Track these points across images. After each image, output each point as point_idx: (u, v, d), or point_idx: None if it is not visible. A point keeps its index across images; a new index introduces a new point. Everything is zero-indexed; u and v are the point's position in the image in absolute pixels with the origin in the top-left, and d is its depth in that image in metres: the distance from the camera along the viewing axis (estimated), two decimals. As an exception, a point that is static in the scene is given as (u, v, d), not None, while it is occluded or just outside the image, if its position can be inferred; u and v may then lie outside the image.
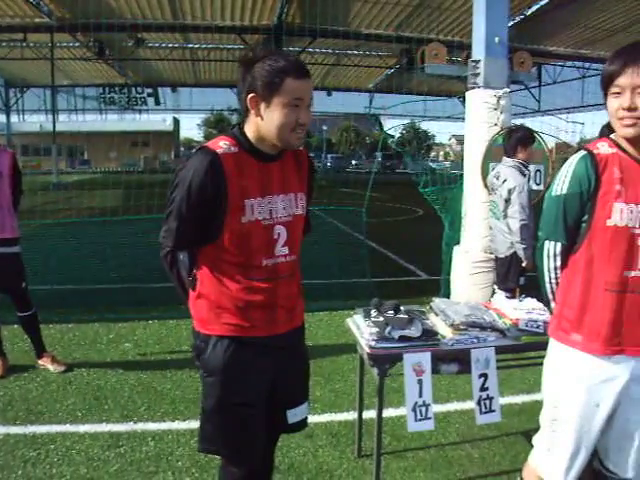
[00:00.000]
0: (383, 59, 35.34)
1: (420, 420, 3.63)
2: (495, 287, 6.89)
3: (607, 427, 2.81)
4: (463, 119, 8.57)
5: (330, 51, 34.38)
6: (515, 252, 6.33)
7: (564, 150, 10.89)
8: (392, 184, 33.01)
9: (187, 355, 6.42)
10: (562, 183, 2.73)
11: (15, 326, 6.41)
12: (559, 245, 2.78)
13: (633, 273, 2.64)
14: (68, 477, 4.12)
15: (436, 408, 5.02)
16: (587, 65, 35.04)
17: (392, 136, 14.42)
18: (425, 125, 78.19)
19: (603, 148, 2.69)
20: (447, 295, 8.24)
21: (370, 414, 4.38)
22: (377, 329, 3.65)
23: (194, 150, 2.83)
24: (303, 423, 3.13)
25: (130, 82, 44.57)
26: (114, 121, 59.88)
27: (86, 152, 71.70)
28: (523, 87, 36.67)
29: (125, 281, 9.47)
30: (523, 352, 4.09)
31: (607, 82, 2.61)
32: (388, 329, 3.62)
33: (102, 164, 61.72)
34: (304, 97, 2.67)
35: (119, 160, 61.82)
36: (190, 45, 33.11)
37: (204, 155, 2.65)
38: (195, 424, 4.89)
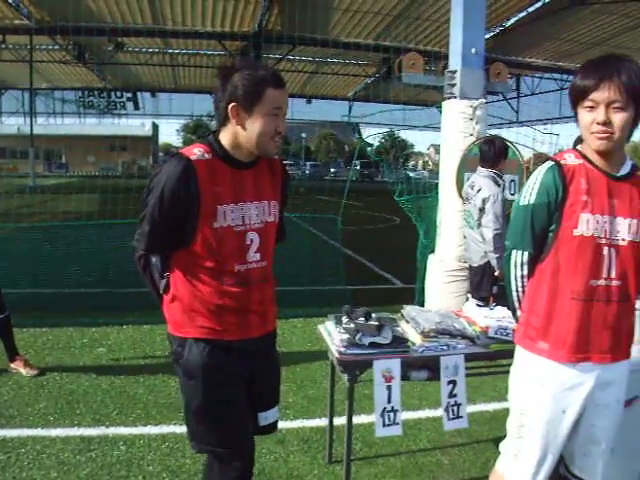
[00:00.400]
0: (363, 68, 35.46)
1: (388, 425, 3.65)
2: (469, 296, 6.93)
3: (573, 433, 2.85)
4: (440, 129, 8.62)
5: (310, 59, 34.45)
6: (488, 261, 6.38)
7: (542, 161, 10.98)
8: (370, 192, 33.05)
9: (160, 360, 6.43)
10: (530, 193, 2.77)
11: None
12: (526, 254, 2.81)
13: (599, 282, 2.68)
14: (38, 481, 4.11)
15: (407, 415, 5.08)
16: (565, 77, 35.30)
17: (370, 144, 14.46)
18: (405, 134, 78.38)
19: (570, 159, 2.74)
20: (421, 303, 8.26)
21: (342, 420, 4.38)
22: (348, 335, 3.68)
23: (169, 156, 2.87)
24: (274, 426, 3.19)
25: (109, 86, 44.37)
26: (93, 125, 59.79)
27: (64, 156, 71.28)
28: (501, 98, 36.96)
29: (100, 285, 9.42)
30: (492, 360, 4.13)
31: (580, 96, 2.65)
32: (358, 336, 3.64)
33: (80, 168, 61.41)
34: (282, 106, 2.77)
35: (97, 164, 61.55)
36: (170, 50, 33.04)
37: (177, 161, 2.69)
38: (167, 429, 4.93)
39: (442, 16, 22.11)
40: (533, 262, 2.82)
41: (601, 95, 2.57)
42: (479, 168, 6.62)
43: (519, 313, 2.93)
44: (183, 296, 2.82)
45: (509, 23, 24.55)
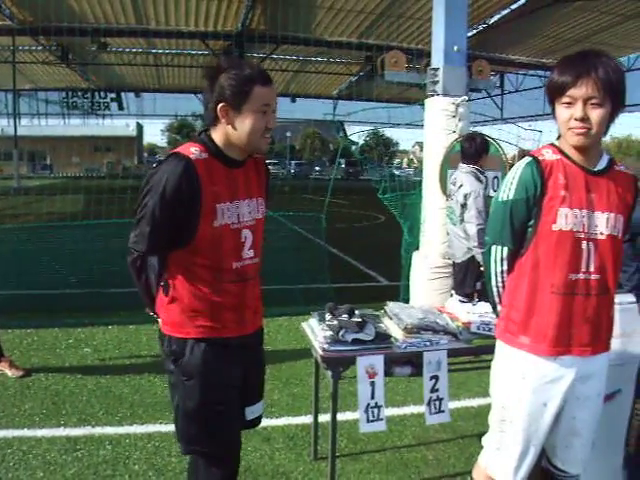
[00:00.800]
0: (346, 66, 35.51)
1: (372, 421, 3.67)
2: (453, 292, 6.96)
3: (554, 426, 2.88)
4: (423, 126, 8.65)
5: (294, 58, 34.47)
6: (472, 257, 6.40)
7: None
8: (355, 191, 33.11)
9: (146, 360, 6.44)
10: (509, 189, 2.79)
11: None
12: (506, 249, 2.84)
13: (578, 276, 2.71)
14: (24, 481, 4.11)
15: (392, 411, 5.10)
16: (549, 74, 35.32)
17: (355, 143, 14.47)
18: (390, 132, 78.36)
19: (548, 155, 2.76)
20: (406, 300, 8.27)
21: (327, 417, 4.38)
22: (331, 332, 3.69)
23: (165, 156, 2.88)
24: (258, 420, 3.24)
25: (93, 87, 44.19)
26: (77, 126, 59.34)
27: (48, 157, 70.98)
28: (486, 95, 37.05)
29: (85, 286, 9.36)
30: (476, 355, 4.16)
31: (558, 92, 2.67)
32: (342, 332, 3.66)
33: (64, 169, 61.15)
34: (271, 102, 2.79)
35: (81, 165, 61.27)
36: (154, 50, 32.99)
37: (177, 160, 2.70)
38: (153, 428, 4.94)
39: (424, 14, 22.16)
40: (513, 257, 2.84)
41: (578, 91, 2.59)
42: (460, 164, 6.64)
43: (499, 308, 2.96)
44: (183, 296, 2.84)
45: (492, 20, 24.66)
